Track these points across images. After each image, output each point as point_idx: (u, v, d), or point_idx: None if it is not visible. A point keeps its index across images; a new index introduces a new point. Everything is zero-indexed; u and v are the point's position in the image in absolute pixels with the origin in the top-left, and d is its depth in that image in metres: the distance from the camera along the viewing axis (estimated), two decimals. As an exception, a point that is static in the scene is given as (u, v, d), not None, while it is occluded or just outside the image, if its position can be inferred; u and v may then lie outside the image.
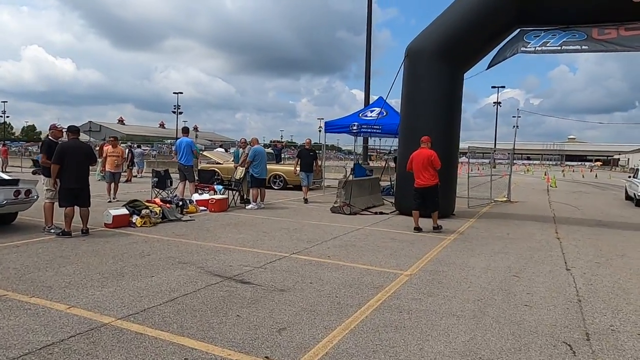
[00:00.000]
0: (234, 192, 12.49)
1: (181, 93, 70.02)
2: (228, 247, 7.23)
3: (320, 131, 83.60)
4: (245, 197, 12.66)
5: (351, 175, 15.56)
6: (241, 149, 13.26)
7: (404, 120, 11.83)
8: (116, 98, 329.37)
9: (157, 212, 9.24)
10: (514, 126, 47.18)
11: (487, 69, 11.26)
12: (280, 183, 17.91)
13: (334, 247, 7.43)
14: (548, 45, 10.35)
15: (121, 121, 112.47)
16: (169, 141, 75.37)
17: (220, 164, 19.04)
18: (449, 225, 10.31)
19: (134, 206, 9.05)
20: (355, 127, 15.93)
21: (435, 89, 11.23)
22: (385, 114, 16.05)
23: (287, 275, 5.72)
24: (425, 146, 9.47)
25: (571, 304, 5.01)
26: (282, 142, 27.83)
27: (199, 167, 17.86)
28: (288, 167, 18.43)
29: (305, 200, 13.64)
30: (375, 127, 15.69)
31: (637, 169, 20.47)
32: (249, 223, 9.61)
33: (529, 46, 10.52)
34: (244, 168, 12.35)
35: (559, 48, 10.26)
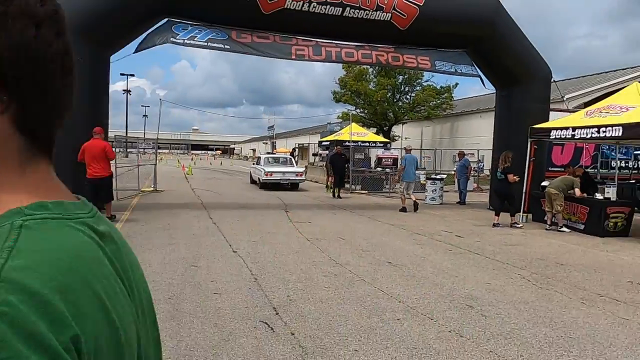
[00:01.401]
0: None
1: None
2: None
3: None
4: None
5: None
6: None
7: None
8: None
9: None
10: (144, 115, 47.60)
11: (134, 52, 10.77)
12: None
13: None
14: (196, 39, 10.78)
15: None
16: None
17: None
18: (105, 221, 9.42)
19: None
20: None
21: (78, 73, 9.89)
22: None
23: None
24: (98, 137, 9.34)
25: (251, 284, 5.42)
26: None
27: None
28: None
29: None
30: None
31: (259, 157, 24.21)
32: None
33: (178, 37, 10.66)
34: None
35: (206, 44, 10.85)
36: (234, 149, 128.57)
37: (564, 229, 10.21)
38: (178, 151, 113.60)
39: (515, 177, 10.81)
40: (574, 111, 16.46)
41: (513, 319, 4.53)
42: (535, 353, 3.76)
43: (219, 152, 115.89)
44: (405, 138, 35.99)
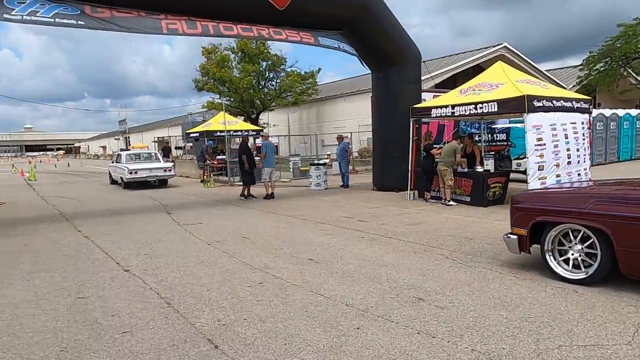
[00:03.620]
0: None
1: None
2: None
3: None
4: None
5: None
6: None
7: None
8: None
9: None
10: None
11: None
12: None
13: None
14: (38, 15, 8.79)
15: None
16: None
17: None
18: None
19: None
20: None
21: None
22: None
23: None
24: None
25: (166, 310, 4.39)
26: None
27: None
28: None
29: None
30: None
31: (119, 155, 21.81)
32: None
33: (13, 13, 8.57)
34: None
35: (53, 20, 8.91)
36: (79, 147, 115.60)
37: (451, 202, 10.69)
38: (9, 154, 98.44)
39: (437, 152, 11.25)
40: (432, 91, 17.60)
41: (468, 306, 4.29)
42: (512, 343, 3.51)
43: (61, 152, 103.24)
44: (274, 125, 35.65)
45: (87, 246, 7.44)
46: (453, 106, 10.64)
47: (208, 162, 19.63)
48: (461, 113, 10.50)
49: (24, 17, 8.63)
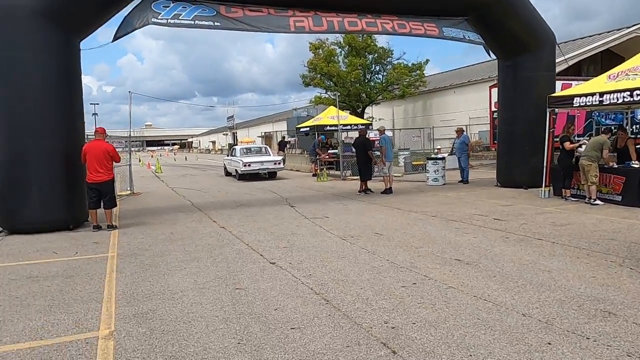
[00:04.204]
0: None
1: None
2: None
3: None
4: None
5: None
6: None
7: (-1, 105, 8.29)
8: None
9: None
10: (94, 114, 44.68)
11: (113, 41, 9.18)
12: None
13: None
14: (180, 18, 9.32)
15: None
16: None
17: None
18: (93, 237, 8.00)
19: None
20: None
21: (45, 61, 8.30)
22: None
23: None
24: (100, 138, 8.79)
25: (327, 308, 4.28)
26: None
27: None
28: None
29: None
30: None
31: (234, 149, 23.19)
32: None
33: (160, 17, 9.17)
34: None
35: (193, 22, 9.41)
36: (192, 142, 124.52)
37: (598, 202, 9.57)
38: (134, 149, 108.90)
39: (572, 145, 10.32)
40: (562, 79, 16.03)
41: (677, 326, 3.63)
42: None
43: (176, 147, 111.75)
44: (379, 119, 35.23)
45: (226, 237, 7.71)
46: (602, 94, 9.49)
47: (320, 156, 19.82)
48: (612, 101, 9.34)
49: (169, 21, 9.19)
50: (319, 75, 32.32)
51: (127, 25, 9.13)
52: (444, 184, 14.49)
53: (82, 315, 4.25)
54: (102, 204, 8.62)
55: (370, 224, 8.41)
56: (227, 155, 24.23)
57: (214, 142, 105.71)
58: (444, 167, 14.87)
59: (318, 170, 18.78)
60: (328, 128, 22.51)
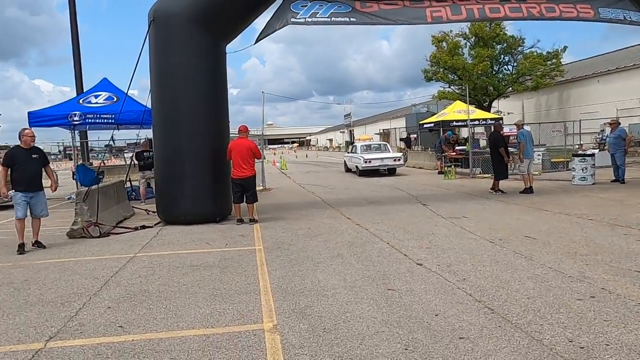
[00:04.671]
0: None
1: None
2: None
3: None
4: None
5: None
6: None
7: (158, 105, 9.15)
8: None
9: None
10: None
11: (255, 43, 9.64)
12: (-39, 204, 12.24)
13: (115, 307, 4.57)
14: (317, 16, 9.46)
15: None
16: None
17: None
18: (237, 230, 8.43)
19: None
20: (77, 117, 12.04)
21: (196, 65, 8.98)
22: (115, 99, 12.74)
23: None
24: (243, 136, 9.20)
25: (492, 317, 3.91)
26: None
27: None
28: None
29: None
30: (105, 116, 12.19)
31: (355, 146, 23.65)
32: None
33: (298, 17, 9.40)
34: None
35: (329, 19, 9.50)
36: (309, 140, 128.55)
37: None
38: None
39: None
40: None
41: None
42: None
43: (295, 144, 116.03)
44: (507, 113, 32.89)
45: (364, 234, 7.62)
46: None
47: (446, 152, 19.01)
48: None
49: (307, 20, 9.37)
50: (442, 69, 31.15)
51: (268, 28, 9.50)
52: (593, 184, 12.95)
53: (244, 306, 4.40)
54: (244, 198, 9.07)
55: (517, 226, 7.73)
56: (347, 152, 24.81)
57: (330, 140, 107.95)
58: (593, 164, 13.29)
59: (444, 168, 18.02)
60: (454, 123, 21.53)
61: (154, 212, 10.41)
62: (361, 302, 4.40)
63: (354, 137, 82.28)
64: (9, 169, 7.05)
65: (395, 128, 51.95)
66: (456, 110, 21.77)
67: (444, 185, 15.08)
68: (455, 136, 21.96)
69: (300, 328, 3.83)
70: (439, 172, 18.73)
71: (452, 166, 17.85)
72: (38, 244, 7.26)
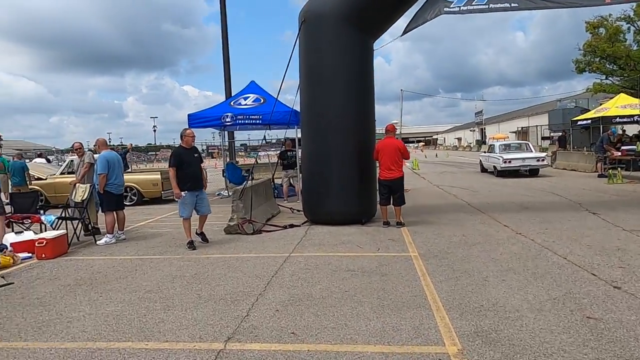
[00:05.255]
0: (76, 221, 8.44)
1: (-28, 94, 56.00)
2: (90, 346, 3.78)
3: (155, 130, 76.18)
4: (92, 226, 8.71)
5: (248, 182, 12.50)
6: (77, 158, 9.17)
7: (307, 103, 9.22)
8: None
9: None
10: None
11: (402, 35, 9.25)
12: (132, 197, 13.81)
13: (283, 310, 4.50)
14: (473, 4, 8.73)
15: None
16: (-39, 155, 60.98)
17: (43, 179, 14.07)
18: (385, 233, 8.09)
19: None
20: (228, 119, 12.79)
21: (346, 63, 8.84)
22: (262, 100, 13.27)
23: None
24: (391, 135, 8.75)
25: None
26: (128, 145, 23.00)
27: (9, 190, 12.90)
28: (142, 176, 14.46)
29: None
30: (254, 117, 12.77)
31: (492, 145, 22.55)
32: (113, 275, 6.01)
33: (452, 6, 8.79)
34: (88, 185, 8.43)
35: (487, 7, 8.73)
36: (436, 139, 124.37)
37: None
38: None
39: None
40: None
41: None
42: None
43: (422, 144, 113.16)
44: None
45: (531, 246, 6.76)
46: None
47: (609, 153, 16.66)
48: None
49: (461, 8, 8.71)
50: (598, 59, 27.64)
51: (418, 19, 9.06)
52: None
53: (417, 322, 4.02)
54: (391, 200, 8.72)
55: None
56: (484, 152, 24.15)
57: (459, 139, 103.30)
58: None
59: (608, 170, 15.77)
60: (618, 120, 18.86)
61: (298, 210, 10.62)
62: (557, 330, 3.74)
63: (485, 136, 77.56)
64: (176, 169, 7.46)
65: (537, 126, 47.68)
66: (620, 105, 19.00)
67: (609, 190, 13.17)
68: (619, 135, 19.19)
69: (493, 357, 3.33)
70: (600, 175, 16.49)
71: (618, 168, 15.55)
72: (202, 237, 7.69)
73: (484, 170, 21.80)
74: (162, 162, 57.88)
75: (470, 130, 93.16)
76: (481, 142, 73.85)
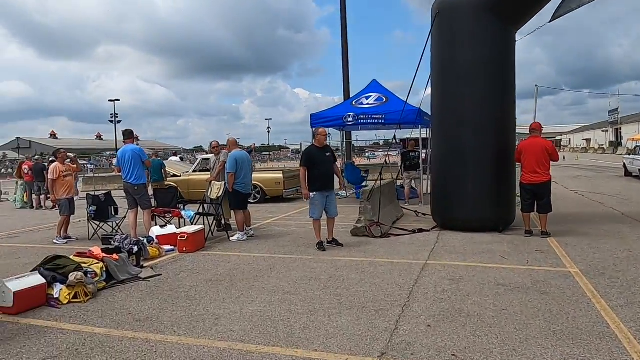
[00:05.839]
0: (211, 217, 8.81)
1: (118, 100, 63.27)
2: (240, 347, 3.70)
3: (269, 132, 79.67)
4: (225, 222, 9.03)
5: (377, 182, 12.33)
6: (214, 156, 9.60)
7: (439, 100, 8.66)
8: (46, 111, 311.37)
9: (98, 271, 5.51)
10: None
11: (550, 21, 8.29)
12: (256, 195, 14.28)
13: (435, 326, 4.07)
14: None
15: (53, 135, 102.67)
16: (108, 153, 69.09)
17: (178, 176, 15.16)
18: (529, 243, 7.24)
19: (55, 267, 5.29)
20: (350, 118, 12.63)
21: (483, 56, 8.12)
22: (384, 99, 12.91)
23: None
24: (537, 134, 7.89)
25: None
26: (251, 145, 24.10)
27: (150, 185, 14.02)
28: (265, 175, 14.93)
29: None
30: (376, 116, 12.46)
31: (638, 147, 20.81)
32: (250, 273, 6.05)
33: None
34: (223, 182, 8.75)
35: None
36: (560, 140, 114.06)
37: None
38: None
39: None
40: None
41: None
42: None
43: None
44: None
45: None
46: None
47: None
48: None
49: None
50: None
51: (566, 6, 8.04)
52: None
53: (607, 357, 3.35)
54: (535, 207, 7.83)
55: None
56: (629, 154, 22.26)
57: (588, 140, 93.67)
58: None
59: None
60: None
61: (422, 214, 10.09)
62: None
63: (621, 137, 69.11)
64: (307, 169, 7.34)
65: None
66: None
67: None
68: None
69: None
70: None
71: None
72: (335, 242, 7.51)
73: (628, 174, 19.98)
74: (275, 161, 60.43)
75: (602, 131, 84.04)
76: (616, 143, 66.10)
